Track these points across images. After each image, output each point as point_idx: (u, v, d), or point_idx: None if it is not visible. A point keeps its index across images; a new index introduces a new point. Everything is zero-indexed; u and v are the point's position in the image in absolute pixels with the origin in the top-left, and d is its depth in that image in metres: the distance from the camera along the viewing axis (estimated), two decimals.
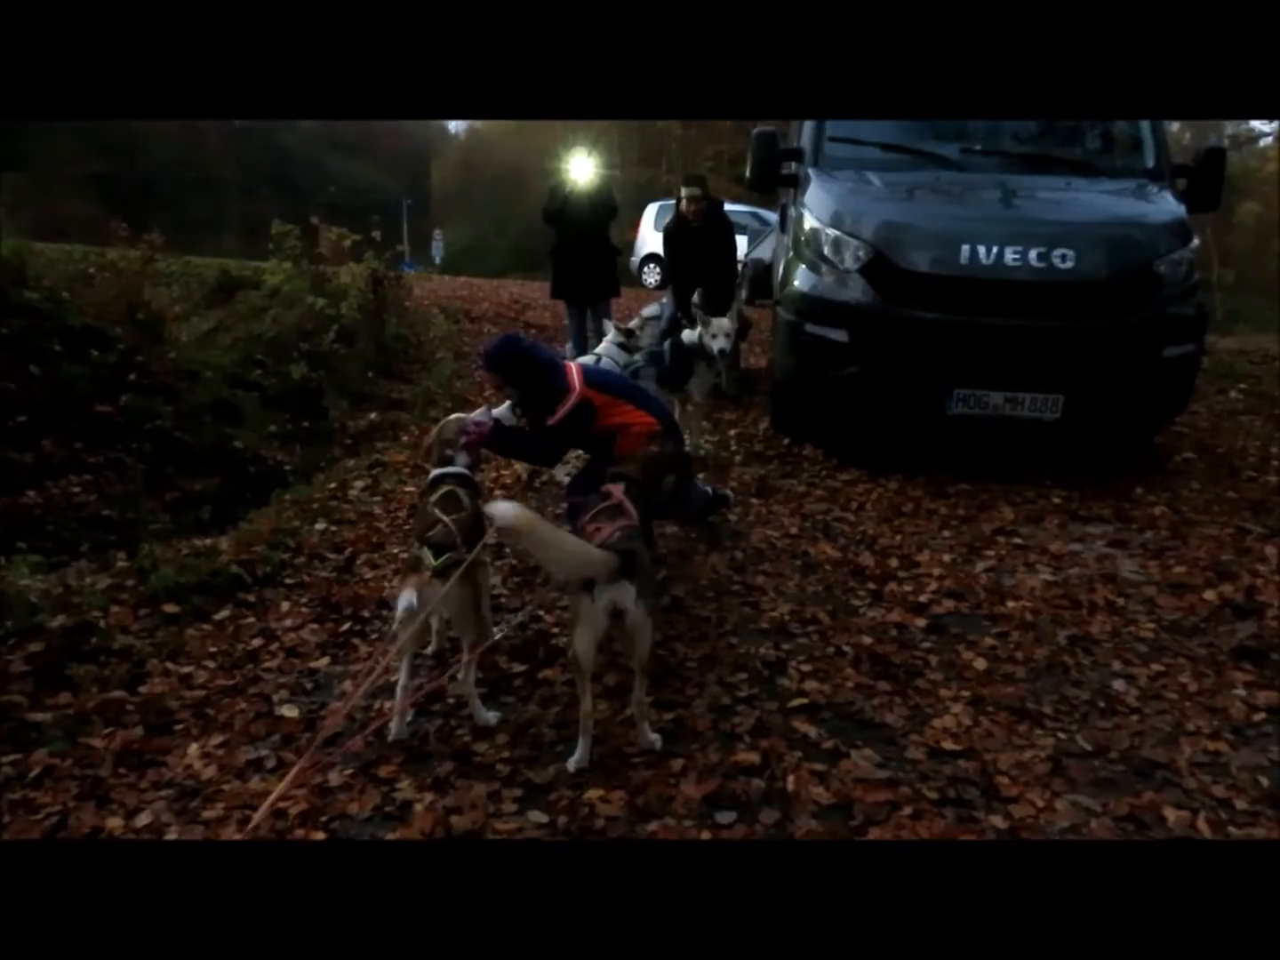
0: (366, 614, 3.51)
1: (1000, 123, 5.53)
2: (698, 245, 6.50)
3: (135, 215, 10.46)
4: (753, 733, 2.66)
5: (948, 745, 2.60)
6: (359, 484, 5.14)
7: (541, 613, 3.48)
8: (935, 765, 2.52)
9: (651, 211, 17.20)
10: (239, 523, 4.55)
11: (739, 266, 7.67)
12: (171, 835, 2.29)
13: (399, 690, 2.69)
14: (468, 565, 2.58)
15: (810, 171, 5.55)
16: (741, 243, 8.26)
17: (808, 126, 5.87)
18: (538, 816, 2.31)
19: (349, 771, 2.51)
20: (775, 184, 6.30)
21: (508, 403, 3.68)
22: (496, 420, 3.43)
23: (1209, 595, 3.53)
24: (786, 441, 5.70)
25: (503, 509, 2.26)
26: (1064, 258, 4.63)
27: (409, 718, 2.73)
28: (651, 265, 16.80)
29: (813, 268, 5.13)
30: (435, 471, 3.03)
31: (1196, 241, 5.12)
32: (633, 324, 5.32)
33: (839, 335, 4.89)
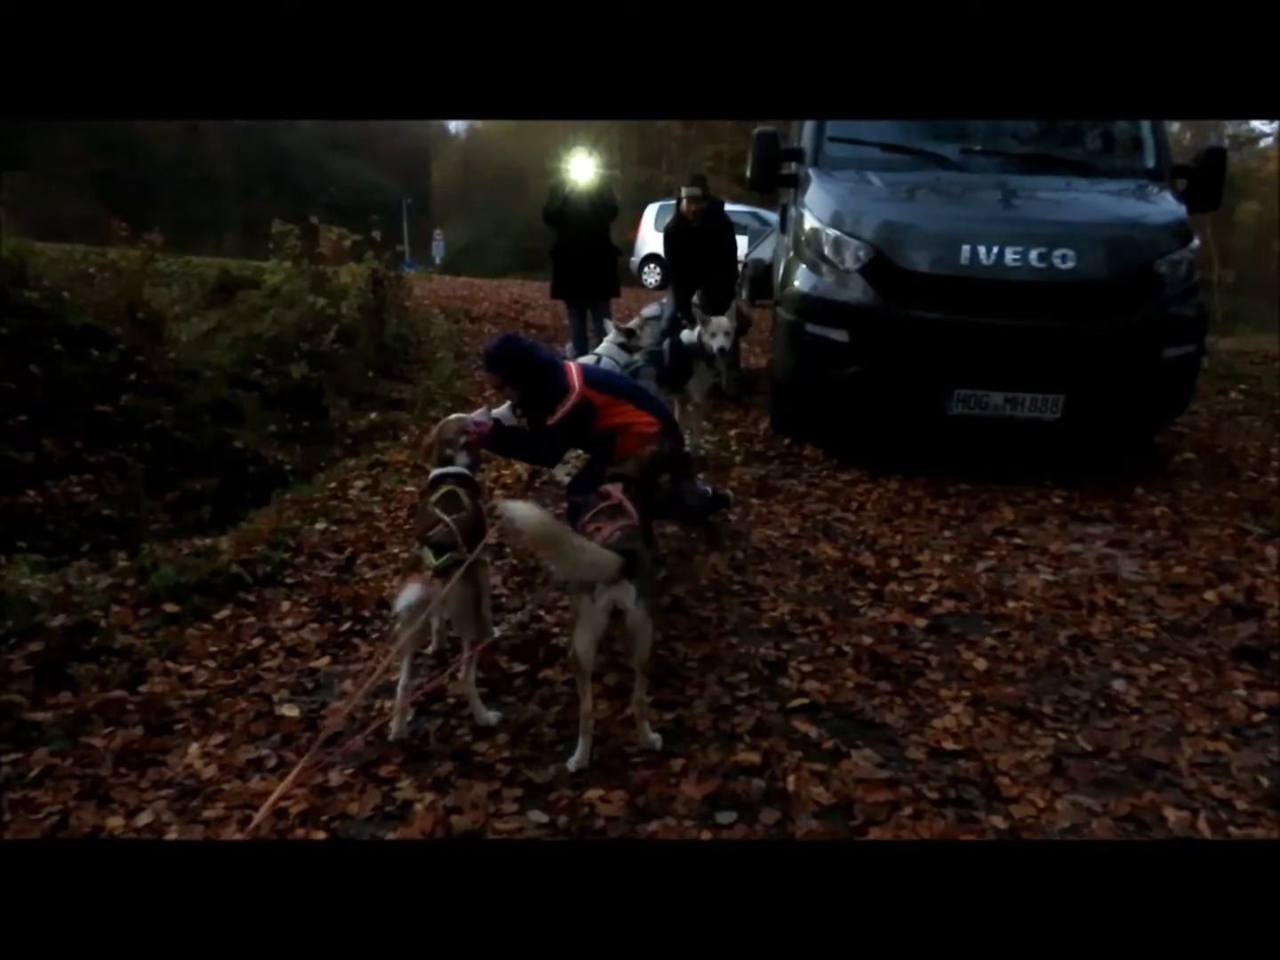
0: (367, 614, 3.51)
1: (1000, 123, 5.53)
2: (698, 245, 6.50)
3: (135, 215, 10.46)
4: (753, 733, 2.66)
5: (948, 745, 2.60)
6: (359, 484, 5.14)
7: (542, 612, 3.48)
8: (936, 765, 2.52)
9: (652, 211, 17.19)
10: (239, 522, 4.55)
11: (739, 267, 7.67)
12: (172, 835, 2.29)
13: (399, 690, 2.69)
14: (469, 565, 2.58)
15: (810, 171, 5.55)
16: (742, 243, 8.26)
17: (808, 127, 5.88)
18: (538, 816, 2.31)
19: (349, 771, 2.51)
20: (775, 184, 6.30)
21: (508, 403, 3.68)
22: (496, 420, 3.43)
23: (1209, 595, 3.53)
24: (787, 441, 5.70)
25: (516, 508, 2.25)
26: (1064, 258, 4.63)
27: (409, 717, 2.73)
28: (652, 265, 16.80)
29: (813, 268, 5.13)
30: (435, 471, 3.03)
31: (1197, 242, 5.12)
32: (632, 323, 5.32)
33: (839, 335, 4.89)
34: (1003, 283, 4.65)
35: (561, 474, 4.66)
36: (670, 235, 6.79)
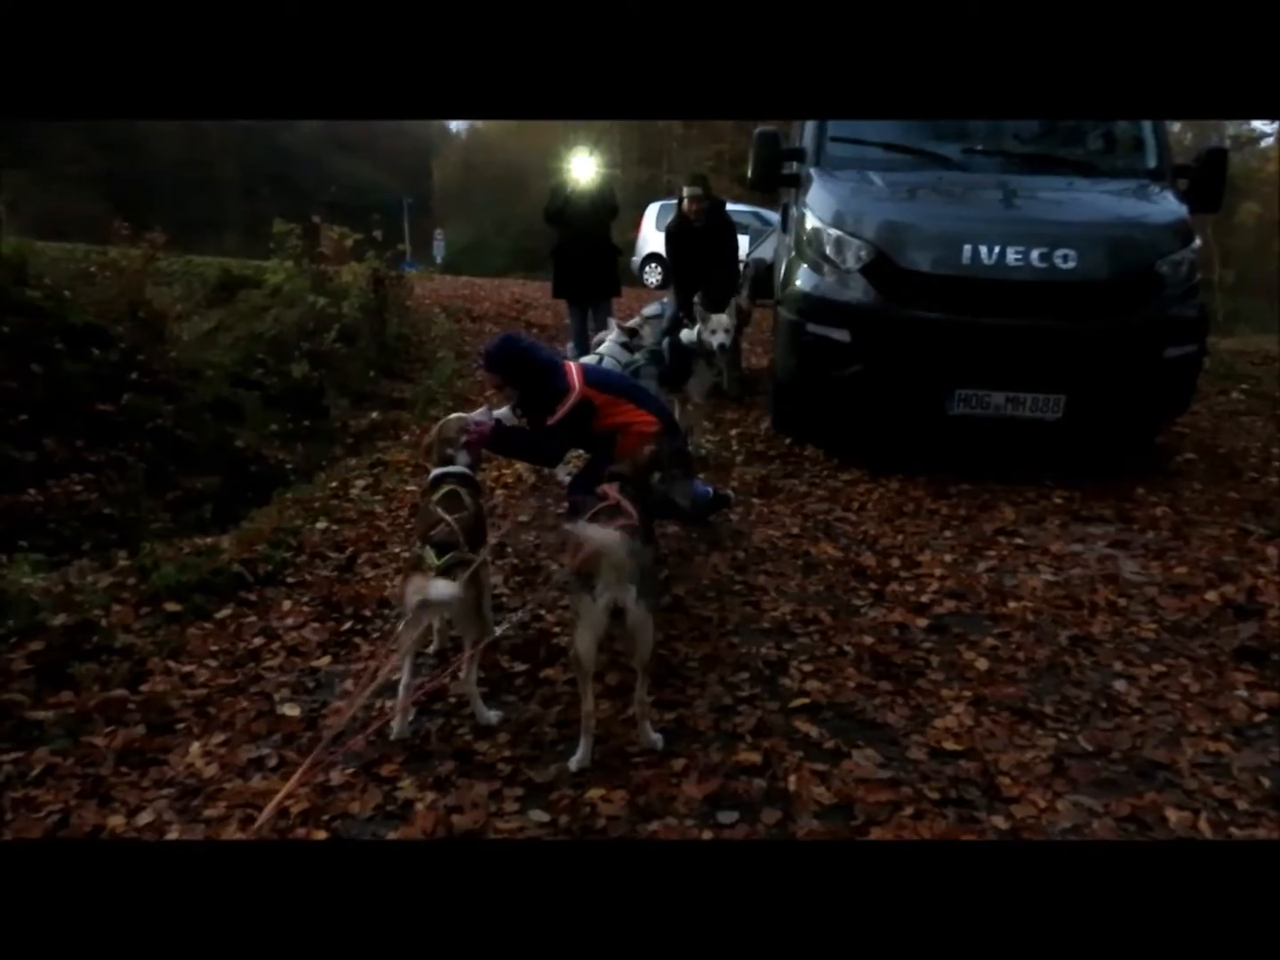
0: (368, 613, 3.51)
1: (1002, 123, 5.53)
2: (699, 245, 6.50)
3: (137, 214, 10.48)
4: (754, 732, 2.66)
5: (949, 745, 2.60)
6: (360, 483, 5.15)
7: (543, 612, 3.48)
8: (937, 765, 2.52)
9: (653, 211, 17.18)
10: (240, 521, 4.56)
11: (740, 266, 7.67)
12: (173, 834, 2.29)
13: (401, 689, 2.69)
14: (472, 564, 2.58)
15: (812, 171, 5.55)
16: (743, 243, 8.26)
17: (809, 126, 5.87)
18: (539, 816, 2.31)
19: (350, 770, 2.51)
20: (777, 184, 6.30)
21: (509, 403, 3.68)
22: (497, 420, 3.43)
23: (1210, 596, 3.53)
24: (788, 441, 5.70)
25: (603, 534, 2.31)
26: (1066, 258, 4.63)
27: (410, 717, 2.73)
28: (653, 265, 16.79)
29: (814, 268, 5.13)
30: (436, 471, 3.03)
31: (1198, 242, 5.12)
32: (633, 322, 5.32)
33: (841, 335, 4.89)
34: (1004, 283, 4.65)
35: (562, 474, 4.66)
36: (671, 235, 6.78)
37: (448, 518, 2.69)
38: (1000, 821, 2.27)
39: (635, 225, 17.43)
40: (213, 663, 3.16)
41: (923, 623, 3.36)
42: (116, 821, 2.33)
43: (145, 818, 2.34)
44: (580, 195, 7.10)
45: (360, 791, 2.42)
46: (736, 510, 4.50)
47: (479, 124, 43.46)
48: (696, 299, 5.55)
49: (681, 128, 32.31)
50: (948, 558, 3.93)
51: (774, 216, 9.99)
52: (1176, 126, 27.25)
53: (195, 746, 2.66)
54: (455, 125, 48.99)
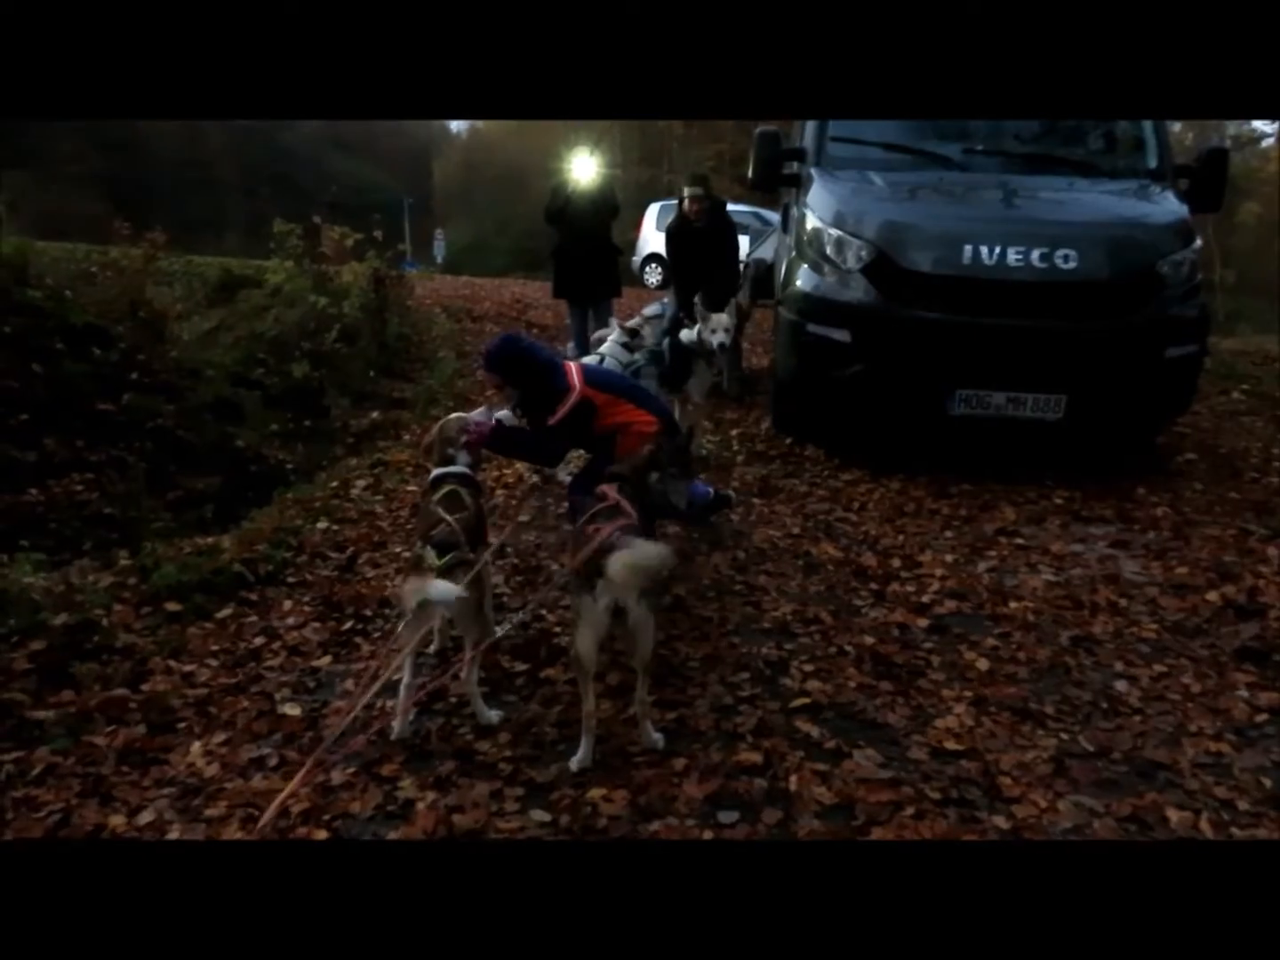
0: (368, 613, 3.51)
1: (1002, 123, 5.53)
2: (700, 245, 6.49)
3: (137, 214, 10.46)
4: (755, 732, 2.66)
5: (950, 745, 2.60)
6: (361, 483, 5.15)
7: (544, 612, 3.48)
8: (938, 765, 2.52)
9: (653, 211, 17.18)
10: (241, 521, 4.55)
11: (741, 266, 7.67)
12: (174, 833, 2.29)
13: (402, 689, 2.69)
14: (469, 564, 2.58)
15: (812, 171, 5.55)
16: (744, 243, 8.26)
17: (810, 126, 5.87)
18: (540, 815, 2.31)
19: (351, 770, 2.51)
20: (777, 184, 6.29)
21: (509, 404, 3.68)
22: (497, 420, 3.43)
23: (1211, 596, 3.53)
24: (788, 441, 5.70)
25: (649, 549, 2.31)
26: (1066, 258, 4.63)
27: (411, 716, 2.73)
28: (653, 265, 16.79)
29: (815, 268, 5.13)
30: (436, 471, 3.03)
31: (1199, 242, 5.11)
32: (633, 322, 5.32)
33: (841, 335, 4.89)
34: (1005, 283, 4.65)
35: (562, 474, 4.66)
36: (672, 235, 6.78)
37: (448, 518, 2.69)
38: (1001, 821, 2.28)
39: (636, 225, 17.43)
40: (214, 662, 3.16)
41: (923, 623, 3.36)
42: (117, 821, 2.33)
43: (146, 817, 2.34)
44: (581, 195, 7.10)
45: (361, 791, 2.43)
46: (737, 510, 4.50)
47: (479, 124, 43.54)
48: (697, 299, 5.55)
49: (682, 128, 32.29)
50: (949, 558, 3.93)
51: (774, 216, 9.99)
52: (1177, 126, 27.23)
53: (196, 746, 2.66)
54: (455, 125, 49.07)
